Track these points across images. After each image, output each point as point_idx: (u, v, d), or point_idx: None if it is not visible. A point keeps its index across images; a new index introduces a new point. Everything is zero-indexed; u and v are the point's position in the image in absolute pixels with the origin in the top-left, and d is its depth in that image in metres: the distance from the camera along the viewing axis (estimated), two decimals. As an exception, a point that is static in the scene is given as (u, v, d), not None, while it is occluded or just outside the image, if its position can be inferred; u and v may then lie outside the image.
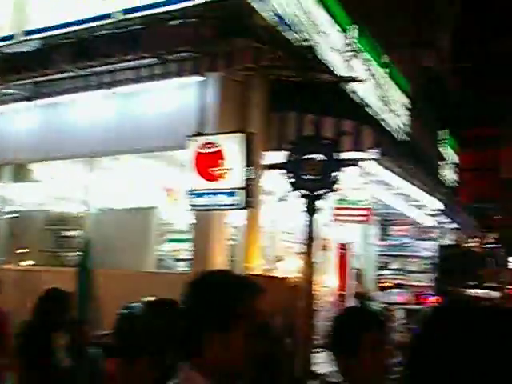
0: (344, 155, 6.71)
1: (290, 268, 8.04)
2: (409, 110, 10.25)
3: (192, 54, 6.66)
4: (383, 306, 12.44)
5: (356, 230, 11.68)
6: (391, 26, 12.35)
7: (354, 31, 8.54)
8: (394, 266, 13.79)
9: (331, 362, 2.64)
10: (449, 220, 12.48)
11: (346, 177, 7.80)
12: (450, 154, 14.99)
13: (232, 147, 6.56)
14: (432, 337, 1.34)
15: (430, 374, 1.29)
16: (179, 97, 7.30)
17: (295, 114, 7.46)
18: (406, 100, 10.16)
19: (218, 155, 6.65)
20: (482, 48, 20.74)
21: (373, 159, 7.09)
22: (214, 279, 2.05)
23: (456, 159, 15.78)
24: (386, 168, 7.45)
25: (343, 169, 6.40)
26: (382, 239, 13.73)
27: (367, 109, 8.65)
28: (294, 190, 6.02)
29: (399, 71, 10.79)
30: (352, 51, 7.73)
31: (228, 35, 6.49)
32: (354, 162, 6.76)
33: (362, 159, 7.00)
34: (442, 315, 1.39)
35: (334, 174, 6.18)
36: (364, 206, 8.17)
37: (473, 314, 1.33)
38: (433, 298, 13.39)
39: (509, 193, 22.12)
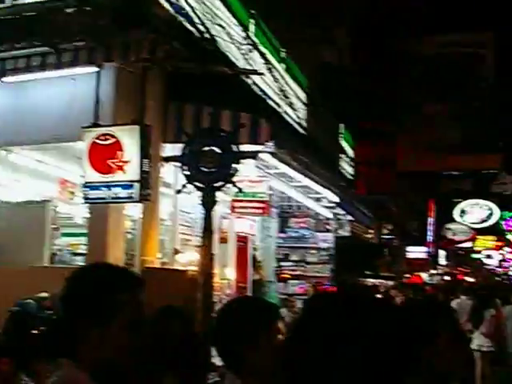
0: (241, 148, 6.80)
1: (189, 261, 8.06)
2: (307, 104, 10.50)
3: (87, 44, 6.53)
4: (283, 297, 12.75)
5: (256, 222, 11.84)
6: (291, 21, 12.64)
7: (252, 25, 8.66)
8: (294, 257, 14.09)
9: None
10: (345, 212, 12.88)
11: (243, 169, 7.93)
12: (347, 146, 15.49)
13: (128, 139, 6.50)
14: (302, 322, 1.40)
15: (300, 358, 1.34)
16: (75, 87, 7.13)
17: (193, 106, 7.49)
18: (304, 94, 10.40)
19: (115, 147, 6.57)
20: (381, 44, 21.51)
21: (269, 152, 7.23)
22: (89, 272, 2.03)
23: (353, 153, 16.31)
24: (282, 161, 7.61)
25: (240, 161, 6.49)
26: (282, 231, 14.01)
27: (265, 102, 8.81)
28: (189, 183, 6.04)
29: (298, 66, 11.03)
30: (250, 45, 7.82)
31: (125, 25, 6.41)
32: (251, 155, 6.86)
33: (259, 152, 7.13)
34: (314, 302, 1.46)
35: (231, 166, 6.26)
36: (261, 199, 8.31)
37: (338, 302, 1.40)
38: (331, 288, 13.86)
39: (404, 185, 23.20)
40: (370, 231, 17.01)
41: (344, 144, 14.88)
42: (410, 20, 22.06)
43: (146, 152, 6.43)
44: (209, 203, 6.04)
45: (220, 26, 7.83)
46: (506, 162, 22.37)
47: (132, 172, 6.45)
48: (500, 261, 63.26)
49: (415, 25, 22.04)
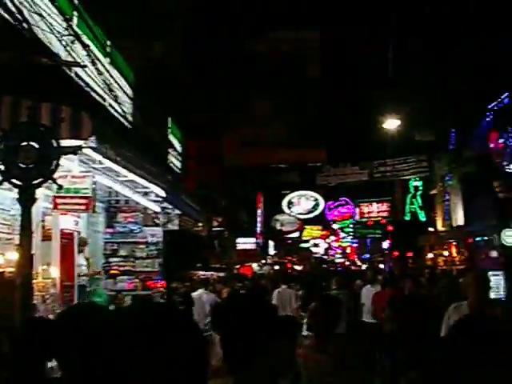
0: (63, 143, 6.68)
1: (7, 261, 7.76)
2: (133, 98, 10.49)
3: None
4: (113, 293, 12.65)
5: (81, 217, 11.59)
6: (119, 14, 12.49)
7: (75, 16, 8.49)
8: (122, 252, 14.01)
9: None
10: (173, 206, 13.05)
11: (66, 164, 7.79)
12: (176, 141, 15.63)
13: None
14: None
15: None
16: None
17: (10, 99, 7.20)
18: (130, 88, 10.38)
19: None
20: (212, 41, 21.89)
21: (91, 147, 7.17)
22: None
23: (181, 147, 16.50)
24: (106, 156, 7.59)
25: (62, 157, 6.39)
26: (110, 226, 13.86)
27: (88, 95, 8.70)
28: (5, 180, 5.84)
29: (124, 59, 10.97)
30: (73, 36, 7.67)
31: None
32: (72, 150, 6.76)
33: (81, 147, 7.04)
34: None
35: (51, 162, 6.14)
36: (85, 195, 8.20)
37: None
38: (161, 283, 13.98)
39: (231, 179, 23.87)
40: (200, 224, 17.31)
41: (172, 139, 15.00)
42: (243, 17, 22.77)
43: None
44: (27, 201, 5.89)
45: (39, 15, 7.59)
46: (330, 155, 23.85)
47: None
48: (326, 249, 67.44)
49: (247, 22, 22.79)
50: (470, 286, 5.38)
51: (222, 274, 19.46)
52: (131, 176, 9.59)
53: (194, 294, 12.46)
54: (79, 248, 11.36)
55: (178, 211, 13.82)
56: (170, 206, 13.28)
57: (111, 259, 13.77)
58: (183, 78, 18.10)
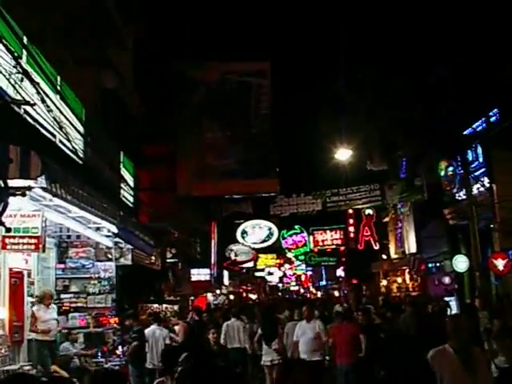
0: (11, 183, 6.61)
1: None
2: (84, 134, 10.43)
3: None
4: (65, 331, 12.41)
5: (31, 255, 11.39)
6: (68, 46, 12.46)
7: (23, 52, 8.43)
8: (74, 288, 13.80)
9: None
10: (126, 240, 12.94)
11: (15, 203, 7.68)
12: (128, 175, 15.55)
13: None
14: None
15: None
16: None
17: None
18: (81, 124, 10.32)
19: None
20: (163, 67, 21.95)
21: (41, 187, 7.10)
22: None
23: (133, 179, 16.40)
24: (56, 195, 7.51)
25: (9, 197, 6.31)
26: (61, 262, 13.66)
27: (38, 134, 8.62)
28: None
29: (75, 93, 10.91)
30: (20, 73, 7.61)
31: None
32: (21, 192, 6.67)
33: (30, 187, 6.96)
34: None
35: (0, 203, 6.05)
36: (34, 234, 8.09)
37: None
38: (114, 319, 13.78)
39: (184, 209, 23.78)
40: (153, 257, 17.17)
41: (124, 172, 14.92)
42: (194, 46, 22.94)
43: None
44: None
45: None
46: (283, 185, 24.03)
47: None
48: (280, 277, 67.49)
49: (198, 51, 22.96)
50: (453, 331, 5.48)
51: (176, 307, 19.29)
52: (82, 213, 9.50)
53: (147, 330, 12.32)
54: (48, 301, 11.29)
55: (130, 246, 13.68)
56: (123, 241, 13.15)
57: (63, 295, 13.55)
58: (134, 109, 18.07)
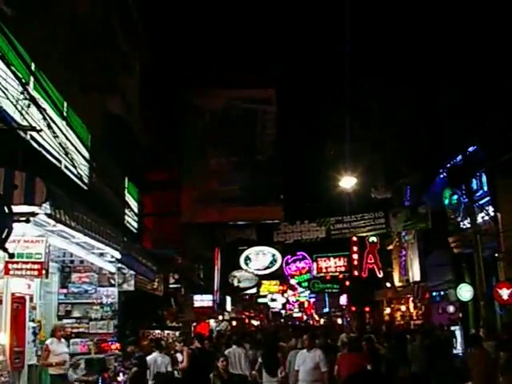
0: (15, 209, 6.60)
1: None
2: (89, 160, 10.46)
3: None
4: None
5: (35, 280, 11.34)
6: (74, 71, 12.53)
7: (30, 78, 8.50)
8: (76, 313, 13.74)
9: None
10: (129, 266, 12.90)
11: (19, 228, 7.66)
12: (132, 201, 15.58)
13: None
14: None
15: None
16: None
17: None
18: (86, 149, 10.35)
19: None
20: (168, 94, 22.09)
21: (45, 214, 7.09)
22: None
23: (138, 205, 16.42)
24: (60, 221, 7.49)
25: (13, 224, 6.29)
26: (64, 286, 13.62)
27: (43, 159, 8.65)
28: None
29: (81, 119, 10.97)
30: (27, 99, 7.65)
31: None
32: (26, 218, 6.67)
33: (34, 214, 6.96)
34: None
35: (3, 230, 6.04)
36: (38, 260, 8.07)
37: None
38: (115, 345, 13.67)
39: (188, 236, 23.75)
40: (156, 283, 17.11)
41: (129, 198, 14.94)
42: (198, 73, 23.07)
43: None
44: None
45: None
46: (287, 212, 23.99)
47: None
48: (283, 304, 67.15)
49: (203, 78, 23.09)
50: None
51: (177, 333, 19.15)
52: (86, 239, 9.48)
53: (149, 358, 12.23)
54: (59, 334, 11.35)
55: (133, 271, 13.64)
56: (125, 267, 13.11)
57: (65, 321, 13.47)
58: (140, 135, 18.13)
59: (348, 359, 11.26)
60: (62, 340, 11.75)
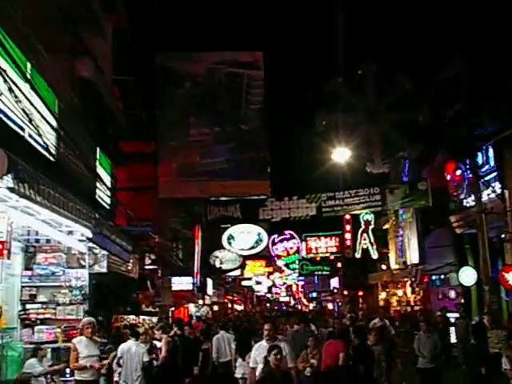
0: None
1: None
2: (56, 127, 10.23)
3: None
4: (30, 346, 12.16)
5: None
6: (40, 30, 12.23)
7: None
8: (42, 298, 13.57)
9: None
10: (101, 246, 12.75)
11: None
12: (105, 174, 15.40)
13: None
14: None
15: None
16: None
17: None
18: (52, 116, 10.12)
19: None
20: (145, 59, 21.80)
21: (8, 187, 6.92)
22: None
23: (111, 179, 16.23)
24: (24, 196, 7.32)
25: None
26: (28, 268, 13.43)
27: (6, 126, 8.44)
28: None
29: (47, 83, 10.71)
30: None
31: None
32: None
33: (-6, 188, 6.78)
34: None
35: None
36: (-1, 239, 7.91)
37: None
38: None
39: (166, 213, 23.61)
40: (130, 264, 17.00)
41: (101, 170, 14.76)
42: (180, 36, 22.77)
43: None
44: None
45: None
46: (274, 188, 23.86)
47: None
48: (269, 287, 67.53)
49: (185, 41, 22.80)
50: None
51: (155, 319, 19.11)
52: (53, 215, 9.31)
53: (123, 346, 12.12)
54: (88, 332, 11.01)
55: (105, 252, 13.49)
56: (97, 246, 12.95)
57: (29, 306, 13.31)
58: (113, 102, 17.86)
59: (329, 348, 11.67)
60: (96, 338, 11.25)
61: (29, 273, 13.46)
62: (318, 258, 44.61)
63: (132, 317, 17.83)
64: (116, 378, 12.12)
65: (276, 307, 67.54)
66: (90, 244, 12.93)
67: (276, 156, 26.11)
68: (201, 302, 33.72)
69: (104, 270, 14.11)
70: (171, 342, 13.40)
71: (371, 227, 33.48)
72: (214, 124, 23.01)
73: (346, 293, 43.68)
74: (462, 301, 21.79)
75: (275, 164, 25.29)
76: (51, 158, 10.14)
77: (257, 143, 23.07)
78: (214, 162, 22.45)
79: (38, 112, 9.04)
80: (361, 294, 40.98)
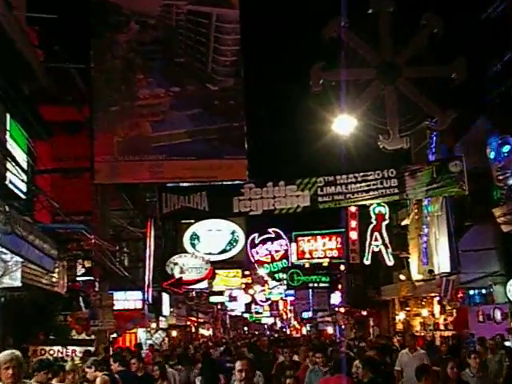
0: None
1: None
2: None
3: None
4: None
5: None
6: None
7: None
8: None
9: None
10: (12, 250, 12.51)
11: None
12: (20, 152, 15.24)
13: None
14: None
15: None
16: None
17: None
18: None
19: None
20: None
21: None
22: None
23: (28, 158, 16.04)
24: None
25: None
26: None
27: None
28: None
29: None
30: None
31: None
32: None
33: None
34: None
35: None
36: None
37: None
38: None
39: (105, 204, 23.39)
40: (55, 275, 16.86)
41: (13, 145, 14.55)
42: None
43: None
44: None
45: None
46: (254, 170, 23.70)
47: None
48: (248, 304, 67.62)
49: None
50: None
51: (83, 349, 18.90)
52: None
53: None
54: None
55: (19, 258, 13.26)
56: (7, 252, 12.72)
57: None
58: (29, 53, 17.55)
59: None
60: None
61: None
62: (313, 265, 44.76)
63: (57, 348, 17.61)
64: None
65: (257, 331, 67.70)
66: (-1, 249, 12.74)
67: (256, 127, 25.88)
68: (154, 325, 33.64)
69: (17, 283, 14.00)
70: (109, 382, 13.15)
71: (385, 223, 33.49)
72: (171, 83, 22.78)
73: (351, 312, 43.79)
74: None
75: (255, 138, 25.13)
76: None
77: (230, 109, 22.88)
78: (171, 134, 22.22)
79: None
80: (370, 313, 41.09)
